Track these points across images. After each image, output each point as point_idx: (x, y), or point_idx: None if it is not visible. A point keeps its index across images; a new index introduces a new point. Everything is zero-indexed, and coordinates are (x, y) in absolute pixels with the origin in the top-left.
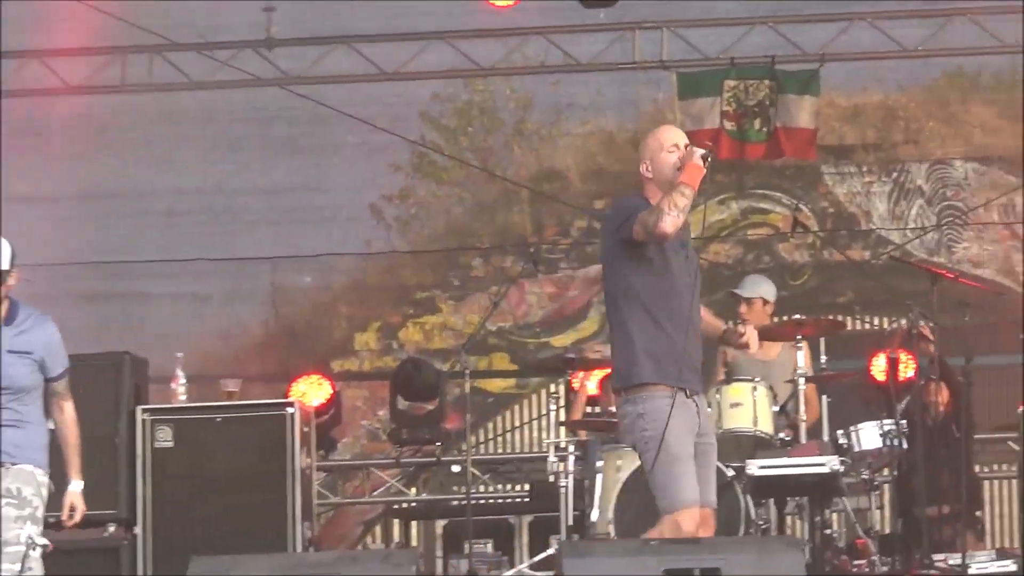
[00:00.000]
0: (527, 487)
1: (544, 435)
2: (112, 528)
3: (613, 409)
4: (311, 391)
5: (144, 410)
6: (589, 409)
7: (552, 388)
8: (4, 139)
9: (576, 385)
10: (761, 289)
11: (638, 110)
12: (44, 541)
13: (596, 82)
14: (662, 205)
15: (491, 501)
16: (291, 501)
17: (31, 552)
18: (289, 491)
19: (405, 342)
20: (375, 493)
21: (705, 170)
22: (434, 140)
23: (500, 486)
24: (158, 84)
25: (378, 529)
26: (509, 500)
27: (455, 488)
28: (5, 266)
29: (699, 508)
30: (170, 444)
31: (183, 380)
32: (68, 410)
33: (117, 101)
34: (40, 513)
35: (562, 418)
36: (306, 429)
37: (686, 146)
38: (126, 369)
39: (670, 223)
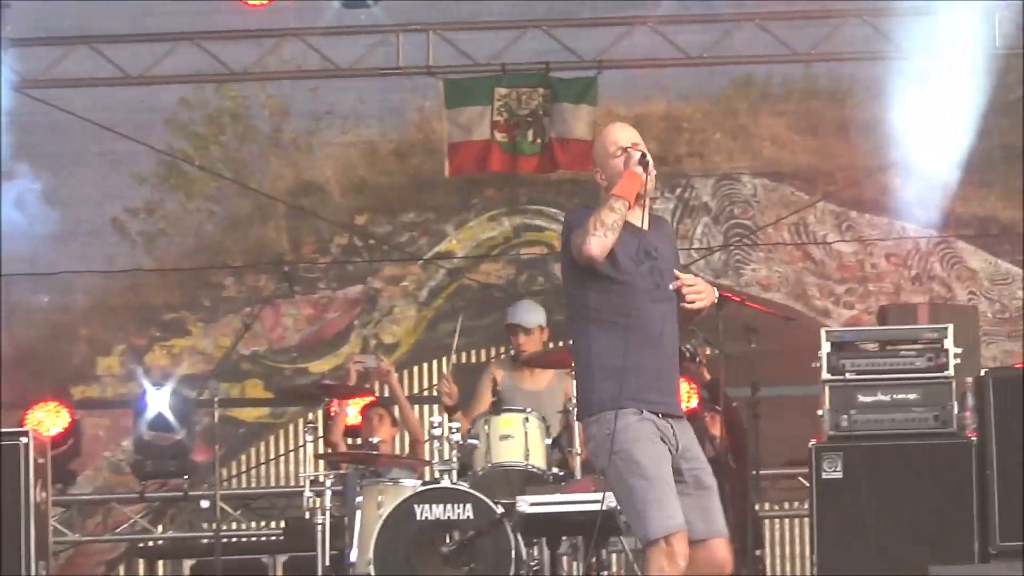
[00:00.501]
0: (282, 524)
1: (300, 468)
2: None
3: (375, 440)
4: (47, 419)
5: None
6: (350, 440)
7: (309, 417)
8: None
9: (334, 414)
10: (539, 316)
11: (403, 119)
12: None
13: (358, 89)
14: (587, 225)
15: (243, 539)
16: (24, 539)
17: None
18: (23, 528)
19: (151, 367)
20: (118, 530)
21: (645, 177)
22: (183, 149)
23: (253, 523)
24: None
25: (121, 569)
26: (262, 538)
27: (204, 525)
28: None
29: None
30: None
31: None
32: None
33: None
34: None
35: (320, 450)
36: (41, 460)
37: (627, 149)
38: None
39: (595, 244)
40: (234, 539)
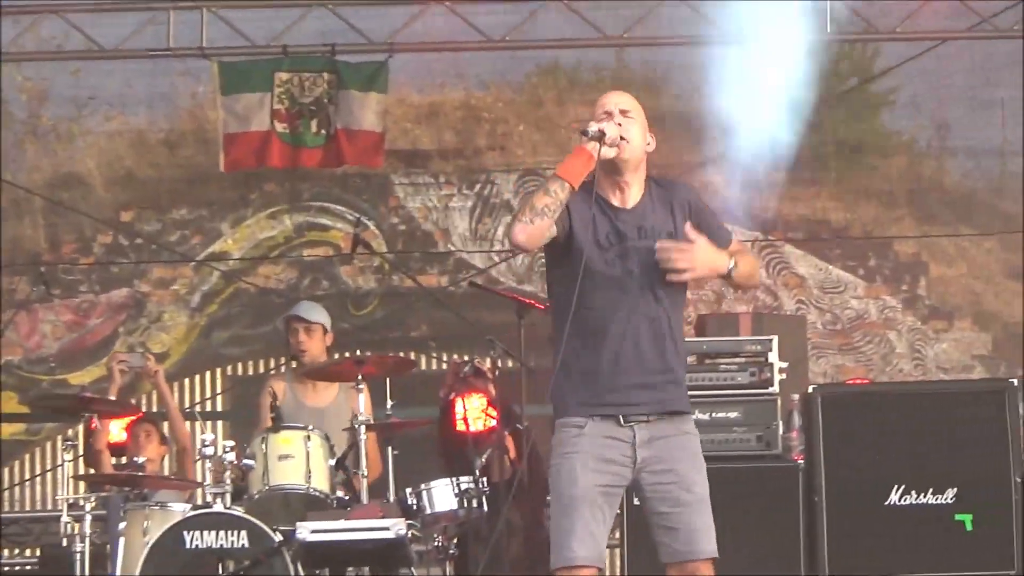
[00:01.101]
0: (37, 552)
1: (58, 490)
2: None
3: (141, 459)
4: None
5: None
6: (114, 460)
7: (68, 433)
8: None
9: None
10: (321, 315)
11: (174, 105)
12: None
13: (124, 72)
14: (520, 208)
15: None
16: None
17: None
18: None
19: None
20: None
21: (595, 156)
22: None
23: (5, 551)
24: None
25: None
26: (15, 568)
27: None
28: None
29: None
30: None
31: None
32: None
33: None
34: None
35: (79, 470)
36: None
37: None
38: None
39: (519, 231)
40: None
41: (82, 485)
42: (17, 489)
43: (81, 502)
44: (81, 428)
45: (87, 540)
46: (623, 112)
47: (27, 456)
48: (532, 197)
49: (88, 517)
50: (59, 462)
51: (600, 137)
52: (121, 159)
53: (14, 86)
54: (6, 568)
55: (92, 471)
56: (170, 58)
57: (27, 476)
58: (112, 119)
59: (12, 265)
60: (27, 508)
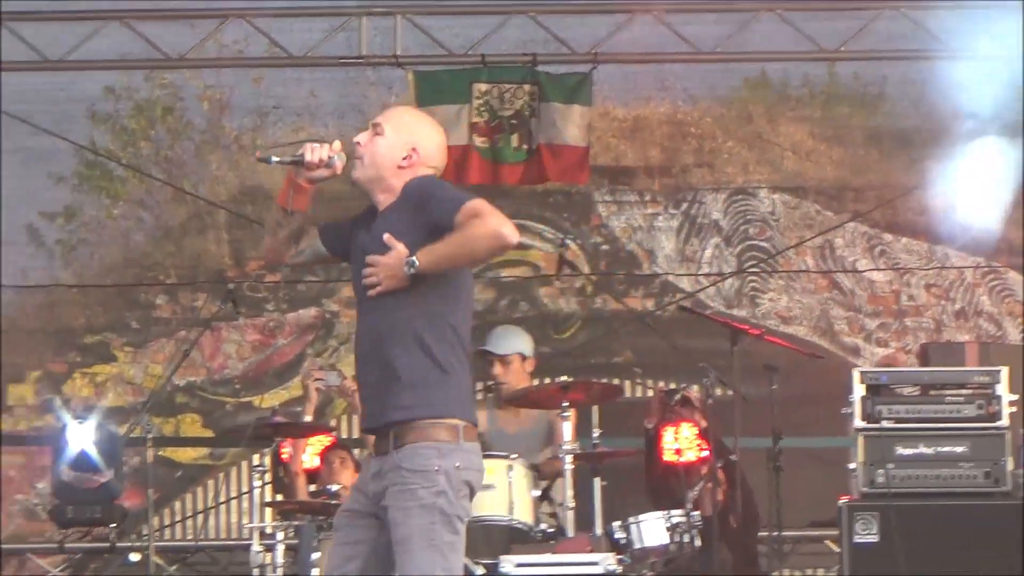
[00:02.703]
0: None
1: (246, 518)
2: None
3: (334, 487)
4: None
5: None
6: (313, 488)
7: (256, 459)
8: None
9: (286, 456)
10: (516, 342)
11: (364, 117)
12: None
13: (311, 80)
14: None
15: None
16: None
17: None
18: None
19: (71, 397)
20: None
21: (297, 179)
22: (107, 146)
23: None
24: None
25: None
26: None
27: None
28: None
29: None
30: None
31: None
32: None
33: None
34: None
35: (270, 497)
36: None
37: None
38: None
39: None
40: None
41: (272, 513)
42: (201, 516)
43: (272, 530)
44: (270, 453)
45: (279, 571)
46: (374, 126)
47: (210, 482)
48: None
49: (280, 547)
50: (245, 488)
51: (299, 161)
52: None
53: (194, 94)
54: None
55: (282, 498)
56: (362, 66)
57: (211, 503)
58: (298, 130)
59: (195, 282)
60: (211, 536)
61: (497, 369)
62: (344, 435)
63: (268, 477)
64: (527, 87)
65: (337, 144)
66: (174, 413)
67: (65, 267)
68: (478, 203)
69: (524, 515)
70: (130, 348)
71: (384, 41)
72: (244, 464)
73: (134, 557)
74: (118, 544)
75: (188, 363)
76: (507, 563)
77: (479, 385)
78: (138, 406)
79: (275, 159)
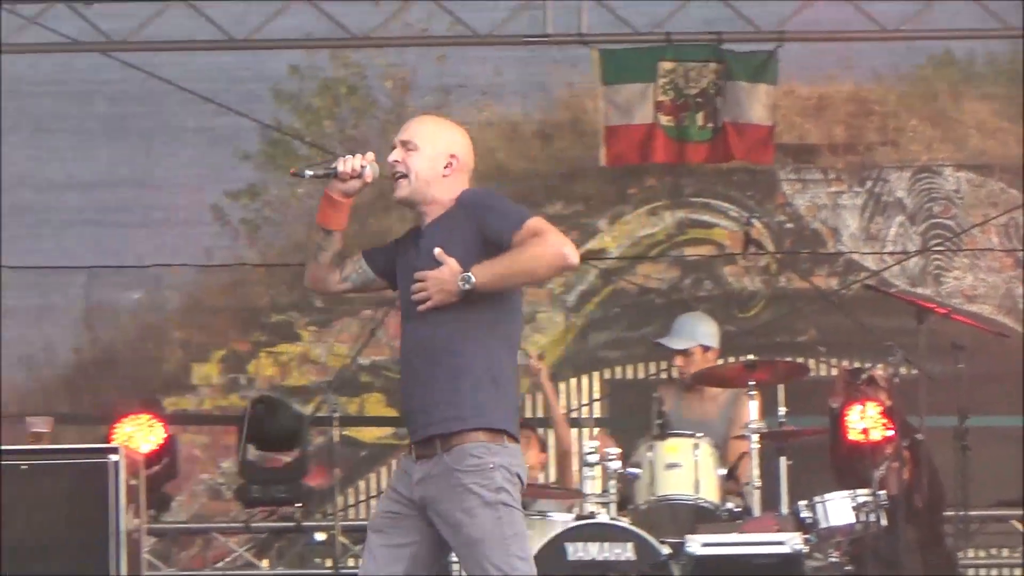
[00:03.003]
0: None
1: None
2: None
3: None
4: (139, 435)
5: None
6: None
7: None
8: None
9: None
10: (698, 333)
11: (549, 96)
12: None
13: (495, 59)
14: None
15: None
16: (114, 571)
17: None
18: (112, 559)
19: (256, 376)
20: (218, 565)
21: (335, 196)
22: (291, 124)
23: None
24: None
25: None
26: None
27: (318, 560)
28: None
29: None
30: None
31: None
32: None
33: None
34: None
35: None
36: (134, 482)
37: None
38: None
39: (305, 275)
40: None
41: None
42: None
43: None
44: None
45: None
46: (403, 144)
47: (394, 461)
48: None
49: None
50: None
51: (332, 174)
52: (493, 151)
53: (378, 73)
54: None
55: None
56: (547, 45)
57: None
58: (483, 110)
59: None
60: None
61: (679, 361)
62: (528, 414)
63: None
64: (712, 65)
65: (370, 155)
66: (358, 392)
67: (250, 246)
68: (539, 221)
69: (710, 494)
70: (314, 327)
71: (568, 20)
72: None
73: (319, 536)
74: (303, 523)
75: (372, 342)
76: (693, 542)
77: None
78: (322, 385)
79: (309, 172)
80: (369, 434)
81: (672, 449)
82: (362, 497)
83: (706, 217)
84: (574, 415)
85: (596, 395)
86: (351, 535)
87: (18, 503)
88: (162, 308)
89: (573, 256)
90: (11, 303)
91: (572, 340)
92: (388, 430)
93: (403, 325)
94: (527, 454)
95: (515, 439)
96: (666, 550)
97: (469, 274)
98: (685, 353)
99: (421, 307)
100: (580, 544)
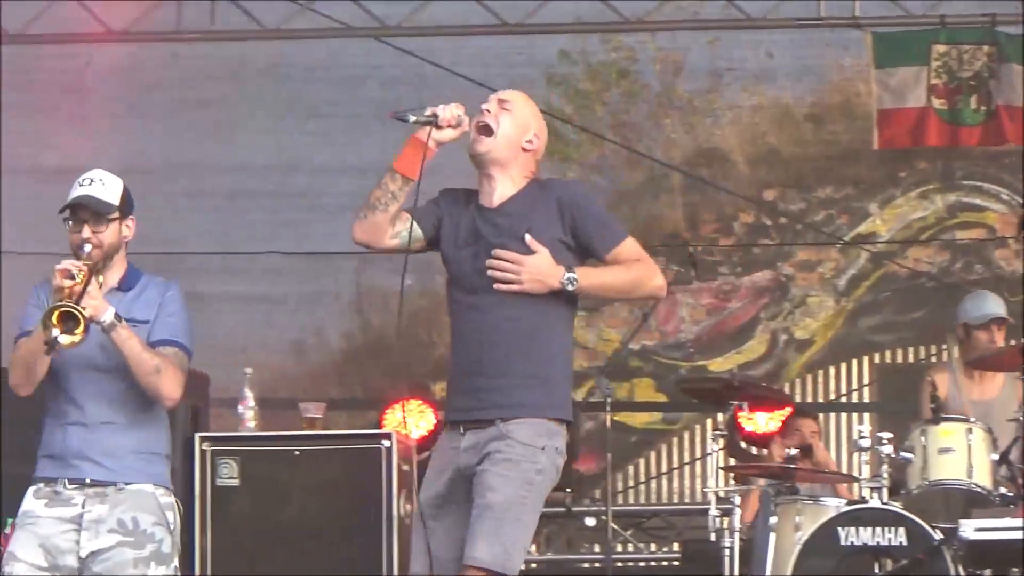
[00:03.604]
0: (676, 547)
1: (699, 483)
2: None
3: (792, 451)
4: (411, 420)
5: (204, 439)
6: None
7: (716, 421)
8: (30, 94)
9: (745, 423)
10: (1001, 306)
11: (821, 79)
12: None
13: (767, 42)
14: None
15: (634, 563)
16: (387, 555)
17: None
18: (384, 543)
19: None
20: None
21: (426, 141)
22: (562, 109)
23: (643, 545)
24: (221, 31)
25: None
26: (654, 562)
27: (586, 546)
28: (111, 200)
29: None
30: (235, 482)
31: (252, 403)
32: None
33: (170, 52)
34: (167, 547)
35: (724, 461)
36: (406, 467)
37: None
38: None
39: (355, 227)
40: (620, 563)
41: (725, 478)
42: (653, 482)
43: (729, 495)
44: (727, 417)
45: (736, 535)
46: (500, 102)
47: (663, 446)
48: (369, 192)
49: (737, 511)
50: (698, 454)
51: (432, 121)
52: (764, 135)
53: (648, 56)
54: (643, 562)
55: (736, 462)
56: (820, 28)
57: (664, 468)
58: (753, 93)
59: (649, 245)
60: (664, 500)
61: (995, 334)
62: (797, 398)
63: (723, 443)
64: (986, 48)
65: (462, 106)
66: (628, 377)
67: None
68: (637, 245)
69: (983, 479)
70: (584, 312)
71: (842, 3)
72: (697, 428)
73: (590, 521)
74: (573, 508)
75: (642, 327)
76: (966, 527)
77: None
78: (592, 370)
79: (412, 117)
80: (639, 419)
81: (946, 434)
82: (631, 482)
83: (977, 200)
84: (843, 399)
85: (866, 379)
86: (621, 520)
87: (291, 489)
88: (433, 293)
89: (665, 289)
90: (283, 289)
91: (842, 324)
92: (657, 415)
93: (462, 296)
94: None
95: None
96: (938, 535)
97: (575, 276)
98: (1000, 324)
99: (504, 287)
100: (852, 529)
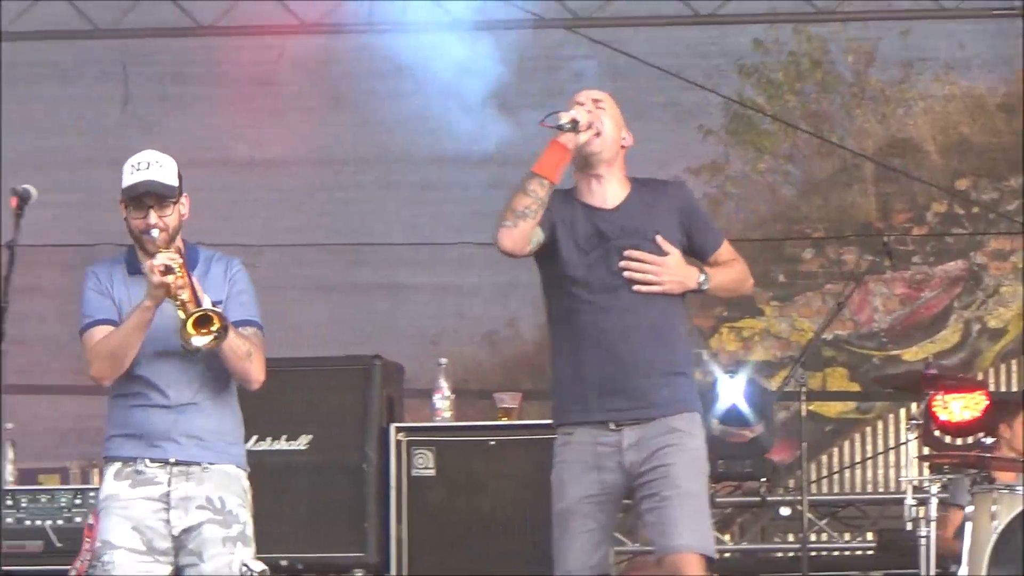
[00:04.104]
0: (871, 536)
1: (891, 472)
2: (359, 575)
3: (987, 440)
4: None
5: (399, 429)
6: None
7: (912, 410)
8: (223, 87)
9: (940, 412)
10: None
11: (1011, 69)
12: (261, 567)
13: (960, 32)
14: (501, 213)
15: (828, 553)
16: None
17: None
18: None
19: (718, 351)
20: None
21: (570, 146)
22: (754, 99)
23: (837, 534)
24: (413, 23)
25: None
26: (848, 552)
27: (780, 536)
28: (171, 181)
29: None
30: (431, 472)
31: (447, 393)
32: None
33: (362, 44)
34: (250, 531)
35: (919, 450)
36: None
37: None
38: (377, 377)
39: (505, 236)
40: (818, 552)
41: (919, 467)
42: (848, 471)
43: (926, 484)
44: (922, 407)
45: (932, 524)
46: (595, 102)
47: (857, 435)
48: (510, 201)
49: (934, 500)
50: (892, 443)
51: (574, 127)
52: (956, 124)
53: (840, 47)
54: (847, 552)
55: (930, 451)
56: (1013, 18)
57: (858, 457)
58: (945, 82)
59: (843, 235)
60: (858, 490)
61: None
62: (992, 386)
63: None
64: None
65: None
66: (821, 367)
67: (716, 219)
68: (729, 244)
69: None
70: (777, 302)
71: None
72: (891, 417)
73: (784, 511)
74: (768, 498)
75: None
76: None
77: None
78: (785, 360)
79: (561, 121)
80: (833, 408)
81: None
82: (825, 472)
83: None
84: None
85: None
86: (816, 509)
87: (486, 479)
88: None
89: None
90: (475, 280)
91: None
92: (851, 404)
93: (591, 297)
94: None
95: None
96: None
97: (707, 277)
98: None
99: (644, 288)
100: None
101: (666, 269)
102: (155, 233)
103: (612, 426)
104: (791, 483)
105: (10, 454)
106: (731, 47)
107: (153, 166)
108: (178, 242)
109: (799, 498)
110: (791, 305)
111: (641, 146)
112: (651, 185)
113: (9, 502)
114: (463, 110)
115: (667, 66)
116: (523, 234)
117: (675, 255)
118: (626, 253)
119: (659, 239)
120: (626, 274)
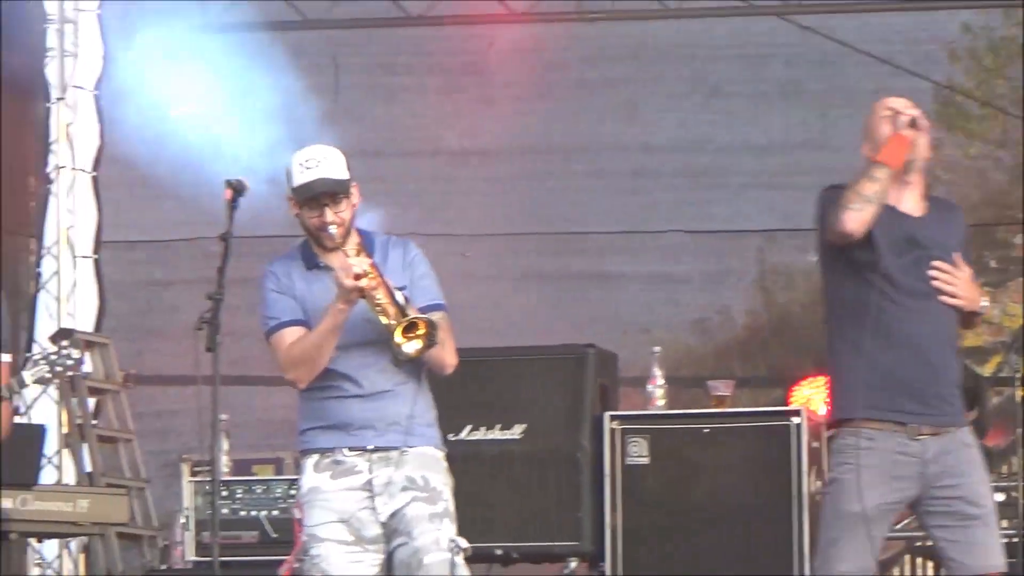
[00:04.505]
0: None
1: None
2: (574, 564)
3: None
4: (816, 398)
5: (613, 417)
6: None
7: None
8: (433, 77)
9: None
10: None
11: None
12: (464, 543)
13: None
14: (844, 196)
15: None
16: (797, 533)
17: (456, 559)
18: (795, 521)
19: None
20: (896, 527)
21: (910, 140)
22: (964, 85)
23: None
24: (623, 11)
25: (896, 570)
26: None
27: None
28: (343, 175)
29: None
30: (646, 460)
31: (661, 381)
32: None
33: (571, 33)
34: (453, 508)
35: None
36: (815, 444)
37: (898, 113)
38: (590, 366)
39: (851, 219)
40: None
41: None
42: None
43: None
44: None
45: None
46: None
47: None
48: (856, 186)
49: None
50: None
51: (914, 123)
52: None
53: None
54: None
55: None
56: None
57: None
58: None
59: None
60: None
61: None
62: None
63: None
64: None
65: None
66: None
67: None
68: None
69: None
70: (989, 288)
71: None
72: None
73: (999, 497)
74: None
75: None
76: None
77: None
78: (998, 345)
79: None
80: None
81: None
82: None
83: None
84: None
85: None
86: None
87: (700, 466)
88: None
89: None
90: (686, 268)
91: None
92: None
93: (903, 300)
94: None
95: None
96: None
97: (987, 305)
98: None
99: (949, 300)
100: None
101: (964, 286)
102: (332, 230)
103: (917, 434)
104: (1004, 469)
105: (225, 445)
106: (941, 32)
107: (323, 162)
108: (353, 232)
109: (1015, 484)
110: (1003, 291)
111: (852, 134)
112: (943, 203)
113: (224, 493)
114: (671, 98)
115: (878, 52)
116: (868, 218)
117: (968, 272)
118: (935, 264)
119: (957, 257)
120: (934, 283)
